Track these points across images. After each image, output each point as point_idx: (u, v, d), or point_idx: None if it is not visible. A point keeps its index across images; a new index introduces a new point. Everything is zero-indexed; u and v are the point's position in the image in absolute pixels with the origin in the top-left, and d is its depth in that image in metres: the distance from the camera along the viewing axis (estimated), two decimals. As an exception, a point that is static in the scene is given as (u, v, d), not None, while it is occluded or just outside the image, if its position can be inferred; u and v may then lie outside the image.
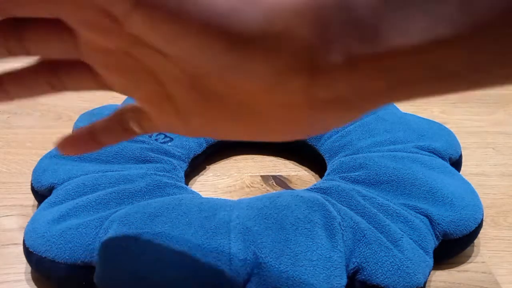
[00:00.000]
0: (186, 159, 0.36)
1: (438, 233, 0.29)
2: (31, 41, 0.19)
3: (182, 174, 0.34)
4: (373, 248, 0.27)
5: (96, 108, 0.39)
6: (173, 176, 0.33)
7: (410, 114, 0.39)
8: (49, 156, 0.33)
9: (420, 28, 0.14)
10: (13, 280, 0.29)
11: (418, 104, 0.50)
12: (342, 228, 0.28)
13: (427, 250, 0.28)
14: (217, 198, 0.31)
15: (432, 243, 0.29)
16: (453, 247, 0.30)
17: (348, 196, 0.30)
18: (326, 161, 0.36)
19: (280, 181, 0.38)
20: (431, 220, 0.29)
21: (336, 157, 0.36)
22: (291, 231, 0.27)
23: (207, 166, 0.39)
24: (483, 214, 0.31)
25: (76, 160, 0.33)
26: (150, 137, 0.36)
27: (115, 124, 0.23)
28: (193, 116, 0.19)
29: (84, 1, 0.16)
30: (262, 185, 0.38)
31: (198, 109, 0.18)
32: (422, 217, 0.30)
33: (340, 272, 0.26)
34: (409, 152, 0.34)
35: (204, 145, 0.38)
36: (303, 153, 0.40)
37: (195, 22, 0.15)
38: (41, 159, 0.33)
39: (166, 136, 0.36)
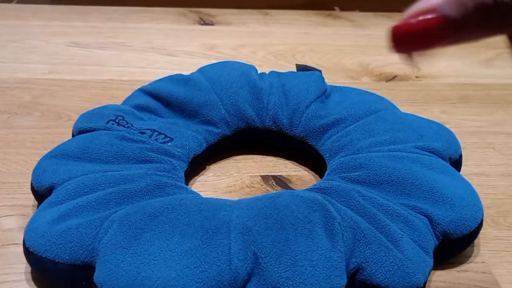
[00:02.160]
0: (186, 159, 0.36)
1: (438, 233, 0.29)
2: None
3: (182, 174, 0.34)
4: (373, 248, 0.27)
5: (96, 108, 0.39)
6: (173, 176, 0.33)
7: (410, 114, 0.39)
8: (49, 156, 0.33)
9: None
10: (13, 280, 0.29)
11: (418, 104, 0.50)
12: (342, 228, 0.28)
13: (427, 250, 0.28)
14: (217, 198, 0.31)
15: (432, 243, 0.29)
16: (453, 247, 0.30)
17: (348, 196, 0.30)
18: (326, 161, 0.36)
19: (280, 181, 0.38)
20: (431, 220, 0.29)
21: (336, 157, 0.36)
22: (291, 231, 0.27)
23: (207, 166, 0.39)
24: (483, 214, 0.31)
25: (76, 160, 0.33)
26: (150, 137, 0.36)
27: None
28: None
29: None
30: (262, 185, 0.38)
31: None
32: (422, 217, 0.30)
33: (340, 272, 0.26)
34: (409, 152, 0.34)
35: (204, 145, 0.38)
36: (303, 153, 0.40)
37: None
38: (41, 159, 0.33)
39: (166, 136, 0.36)
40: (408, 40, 0.20)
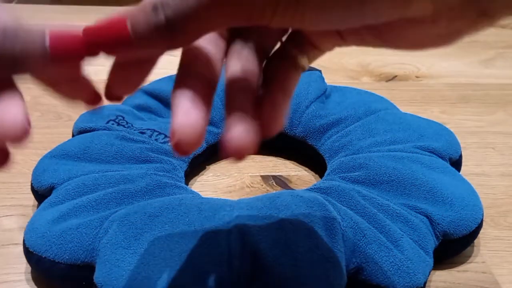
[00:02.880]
0: (186, 159, 0.36)
1: (438, 233, 0.29)
2: None
3: (182, 174, 0.34)
4: (373, 248, 0.27)
5: (96, 108, 0.38)
6: (173, 176, 0.33)
7: (410, 114, 0.39)
8: (49, 156, 0.33)
9: None
10: (13, 280, 0.29)
11: (418, 104, 0.50)
12: (342, 228, 0.28)
13: (427, 250, 0.28)
14: (217, 198, 0.31)
15: (432, 243, 0.29)
16: (453, 247, 0.30)
17: (348, 196, 0.30)
18: (326, 161, 0.36)
19: (280, 181, 0.38)
20: (431, 220, 0.29)
21: (336, 157, 0.36)
22: (291, 231, 0.27)
23: (207, 166, 0.39)
24: (483, 214, 0.31)
25: (76, 160, 0.33)
26: (150, 137, 0.36)
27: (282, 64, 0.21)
28: None
29: None
30: (262, 185, 0.38)
31: None
32: (422, 217, 0.30)
33: (340, 272, 0.26)
34: (409, 152, 0.34)
35: (204, 145, 0.38)
36: (303, 153, 0.40)
37: None
38: (41, 159, 0.33)
39: (166, 136, 0.36)
40: (101, 43, 0.17)
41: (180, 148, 0.17)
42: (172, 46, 0.17)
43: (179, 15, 0.16)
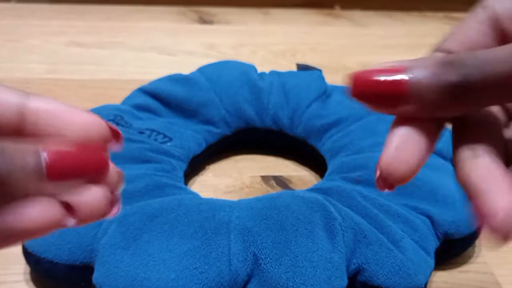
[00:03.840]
0: (186, 159, 0.36)
1: (439, 233, 0.29)
2: None
3: (181, 174, 0.34)
4: (374, 249, 0.27)
5: (96, 108, 0.38)
6: (173, 176, 0.33)
7: (411, 114, 0.39)
8: (48, 156, 0.33)
9: None
10: (12, 281, 0.29)
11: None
12: (343, 228, 0.27)
13: (428, 250, 0.28)
14: (217, 199, 0.31)
15: (433, 243, 0.29)
16: (454, 248, 0.30)
17: (349, 196, 0.30)
18: (327, 161, 0.36)
19: (280, 181, 0.38)
20: (432, 221, 0.29)
21: (337, 157, 0.36)
22: (291, 232, 0.27)
23: (206, 166, 0.39)
24: (484, 214, 0.31)
25: (75, 160, 0.33)
26: (149, 137, 0.36)
27: None
28: None
29: None
30: (262, 186, 0.37)
31: None
32: (423, 217, 0.29)
33: (341, 273, 0.26)
34: (410, 152, 0.34)
35: (204, 145, 0.38)
36: (304, 153, 0.40)
37: None
38: (40, 159, 0.33)
39: (165, 136, 0.36)
40: (368, 95, 0.17)
41: (386, 183, 0.16)
42: (456, 111, 0.15)
43: (479, 78, 0.14)
